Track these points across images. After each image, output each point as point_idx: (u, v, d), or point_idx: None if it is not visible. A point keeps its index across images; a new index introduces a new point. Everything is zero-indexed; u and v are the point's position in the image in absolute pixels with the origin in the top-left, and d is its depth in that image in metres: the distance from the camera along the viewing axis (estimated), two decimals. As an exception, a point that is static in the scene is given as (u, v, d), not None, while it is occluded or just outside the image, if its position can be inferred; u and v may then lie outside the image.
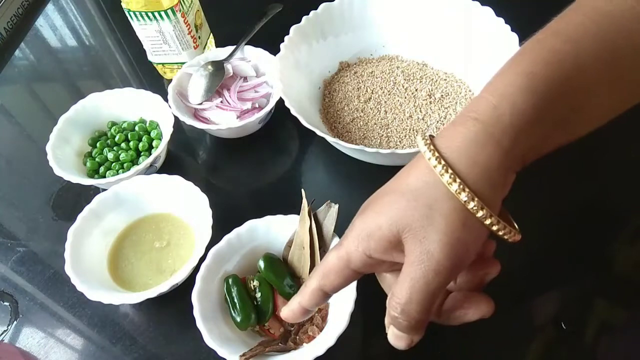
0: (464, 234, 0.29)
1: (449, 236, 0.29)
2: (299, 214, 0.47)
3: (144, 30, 0.64)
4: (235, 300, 0.43)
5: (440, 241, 0.29)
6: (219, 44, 0.71)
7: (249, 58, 0.65)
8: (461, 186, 0.28)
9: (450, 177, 0.28)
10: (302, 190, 0.45)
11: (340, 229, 0.44)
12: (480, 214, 0.29)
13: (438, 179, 0.29)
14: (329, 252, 0.33)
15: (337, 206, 0.45)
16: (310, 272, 0.45)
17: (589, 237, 0.50)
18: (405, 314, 0.30)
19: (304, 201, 0.45)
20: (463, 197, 0.28)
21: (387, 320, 0.33)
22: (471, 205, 0.28)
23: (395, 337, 0.33)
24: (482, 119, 0.29)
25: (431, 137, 0.31)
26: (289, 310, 0.35)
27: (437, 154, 0.29)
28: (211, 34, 0.71)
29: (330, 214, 0.45)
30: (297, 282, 0.46)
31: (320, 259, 0.44)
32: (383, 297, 0.47)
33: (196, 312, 0.42)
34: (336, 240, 0.44)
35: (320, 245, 0.44)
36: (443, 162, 0.29)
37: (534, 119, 0.30)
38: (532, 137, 0.31)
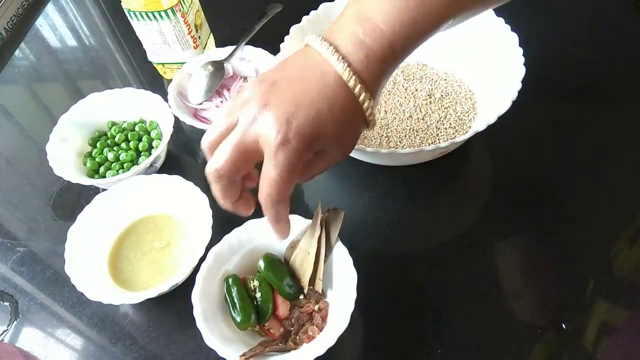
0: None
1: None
2: (298, 214, 0.47)
3: (144, 30, 0.64)
4: (235, 300, 0.43)
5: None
6: (219, 44, 0.71)
7: (249, 58, 0.65)
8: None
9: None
10: (320, 200, 0.45)
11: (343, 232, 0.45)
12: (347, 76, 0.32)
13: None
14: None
15: (343, 212, 0.45)
16: (310, 279, 0.45)
17: (589, 237, 0.50)
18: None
19: (319, 209, 0.45)
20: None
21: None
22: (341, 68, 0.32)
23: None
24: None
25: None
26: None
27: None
28: (211, 34, 0.71)
29: (336, 219, 0.45)
30: (297, 283, 0.46)
31: (323, 269, 0.44)
32: (383, 298, 0.48)
33: (196, 312, 0.42)
34: (340, 245, 0.44)
35: (325, 254, 0.44)
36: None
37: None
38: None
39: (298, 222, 0.47)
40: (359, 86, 0.32)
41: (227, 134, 0.34)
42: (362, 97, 0.32)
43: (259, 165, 0.34)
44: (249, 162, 0.34)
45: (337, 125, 0.33)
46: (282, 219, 0.36)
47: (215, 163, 0.34)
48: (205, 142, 0.35)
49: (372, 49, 0.32)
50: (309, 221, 0.46)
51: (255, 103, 0.33)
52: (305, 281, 0.45)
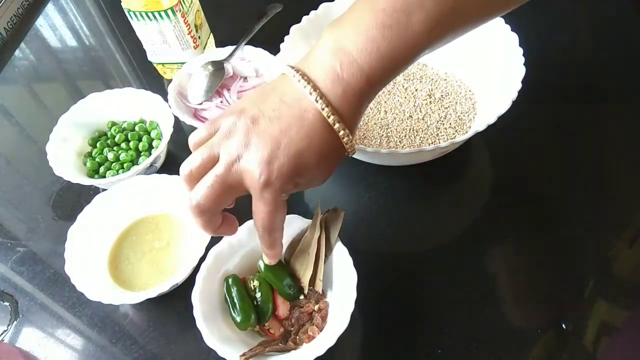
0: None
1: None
2: (298, 215, 0.47)
3: (144, 30, 0.64)
4: (235, 300, 0.43)
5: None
6: (219, 44, 0.71)
7: (249, 58, 0.65)
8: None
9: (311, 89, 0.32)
10: (319, 200, 0.45)
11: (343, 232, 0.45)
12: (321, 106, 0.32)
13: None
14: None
15: (343, 212, 0.45)
16: (310, 279, 0.45)
17: (589, 237, 0.50)
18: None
19: (318, 209, 0.45)
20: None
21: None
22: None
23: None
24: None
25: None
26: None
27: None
28: (211, 34, 0.71)
29: (336, 219, 0.45)
30: (297, 283, 0.46)
31: (323, 269, 0.44)
32: (383, 298, 0.48)
33: (196, 312, 0.42)
34: (340, 245, 0.44)
35: (325, 254, 0.44)
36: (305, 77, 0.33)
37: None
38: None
39: (298, 222, 0.47)
40: (338, 124, 0.32)
41: (208, 166, 0.34)
42: (341, 133, 0.33)
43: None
44: (231, 197, 0.35)
45: (317, 160, 0.33)
46: (277, 245, 0.39)
47: (198, 198, 0.34)
48: (184, 171, 0.35)
49: (350, 84, 0.32)
50: (309, 221, 0.47)
51: (237, 141, 0.33)
52: (305, 281, 0.45)
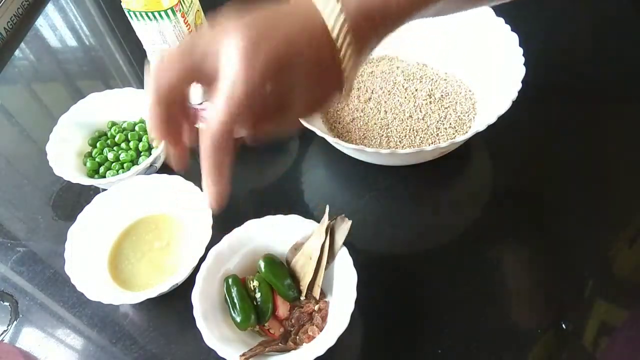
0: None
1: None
2: (299, 215, 0.47)
3: (144, 30, 0.63)
4: (235, 301, 0.43)
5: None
6: (219, 44, 0.71)
7: (249, 58, 0.65)
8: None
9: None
10: (327, 205, 0.45)
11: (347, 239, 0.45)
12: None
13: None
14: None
15: (350, 222, 0.45)
16: (309, 285, 0.45)
17: (589, 237, 0.50)
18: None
19: (325, 216, 0.45)
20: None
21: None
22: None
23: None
24: None
25: None
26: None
27: None
28: (211, 34, 0.71)
29: (342, 228, 0.45)
30: (296, 284, 0.46)
31: (324, 276, 0.44)
32: (383, 298, 0.48)
33: (196, 312, 0.42)
34: (344, 252, 0.44)
35: (328, 261, 0.44)
36: None
37: None
38: None
39: (298, 222, 0.47)
40: (343, 31, 0.28)
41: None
42: (343, 40, 0.28)
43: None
44: (188, 77, 0.29)
45: (310, 62, 0.28)
46: (224, 173, 0.30)
47: (155, 76, 0.29)
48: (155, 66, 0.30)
49: (365, 1, 0.29)
50: (310, 221, 0.47)
51: (220, 25, 0.28)
52: (304, 285, 0.45)
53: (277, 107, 0.30)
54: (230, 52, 0.27)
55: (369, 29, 0.29)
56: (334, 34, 0.28)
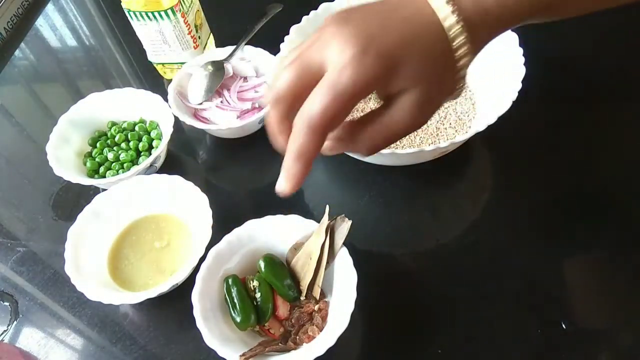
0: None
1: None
2: (299, 215, 0.47)
3: (144, 30, 0.64)
4: (235, 301, 0.43)
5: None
6: (219, 44, 0.71)
7: (249, 58, 0.65)
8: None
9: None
10: (327, 206, 0.45)
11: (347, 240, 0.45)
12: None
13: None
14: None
15: (350, 222, 0.45)
16: (309, 285, 0.45)
17: (588, 236, 0.50)
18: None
19: (326, 216, 0.45)
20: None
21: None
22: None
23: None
24: None
25: None
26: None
27: None
28: (211, 34, 0.71)
29: (342, 228, 0.45)
30: (296, 284, 0.46)
31: (324, 276, 0.44)
32: (383, 298, 0.48)
33: (196, 312, 0.42)
34: (344, 252, 0.44)
35: (328, 261, 0.44)
36: None
37: None
38: None
39: (297, 222, 0.47)
40: (459, 25, 0.27)
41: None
42: (459, 39, 0.27)
43: None
44: (308, 83, 0.28)
45: (423, 60, 0.27)
46: (307, 157, 0.28)
47: (275, 85, 0.28)
48: (272, 76, 0.31)
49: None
50: (310, 221, 0.47)
51: (330, 27, 0.27)
52: (304, 285, 0.45)
53: (383, 121, 0.29)
54: (342, 48, 0.26)
55: (485, 27, 0.29)
56: (450, 33, 0.27)
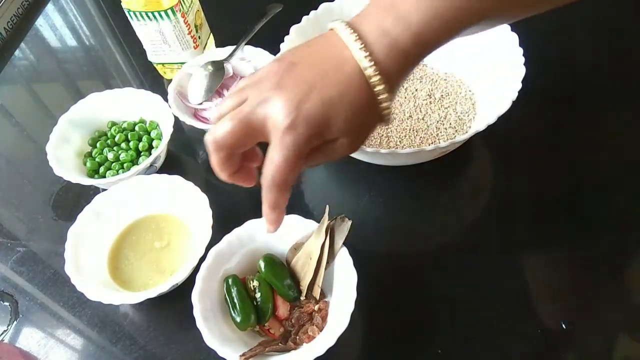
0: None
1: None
2: (299, 215, 0.47)
3: (144, 30, 0.64)
4: (235, 301, 0.43)
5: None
6: (219, 44, 0.71)
7: (249, 58, 0.65)
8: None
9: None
10: (327, 206, 0.45)
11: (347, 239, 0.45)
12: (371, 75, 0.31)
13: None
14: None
15: (350, 222, 0.45)
16: (309, 285, 0.45)
17: (588, 236, 0.50)
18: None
19: (325, 216, 0.45)
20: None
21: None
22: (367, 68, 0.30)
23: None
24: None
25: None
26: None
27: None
28: (211, 34, 0.71)
29: (342, 228, 0.45)
30: (296, 284, 0.46)
31: (324, 275, 0.44)
32: (383, 298, 0.48)
33: (196, 312, 0.42)
34: (344, 252, 0.44)
35: (327, 261, 0.44)
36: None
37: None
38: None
39: (298, 223, 0.47)
40: (377, 77, 0.30)
41: (236, 108, 0.33)
42: (379, 89, 0.31)
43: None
44: (250, 138, 0.33)
45: (348, 115, 0.31)
46: (279, 207, 0.34)
47: (216, 133, 0.33)
48: (215, 115, 0.35)
49: (397, 40, 0.30)
50: (310, 221, 0.47)
51: (268, 83, 0.32)
52: (304, 285, 0.45)
53: (325, 148, 0.33)
54: (276, 116, 0.31)
55: (405, 66, 0.32)
56: (371, 82, 0.31)
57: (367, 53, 0.30)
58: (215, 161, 0.34)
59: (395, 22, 0.30)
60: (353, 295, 0.41)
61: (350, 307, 0.40)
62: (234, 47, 0.64)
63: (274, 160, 0.32)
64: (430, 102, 0.58)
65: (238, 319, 0.43)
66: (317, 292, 0.45)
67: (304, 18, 0.59)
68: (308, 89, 0.31)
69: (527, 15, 0.35)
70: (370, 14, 0.32)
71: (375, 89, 0.31)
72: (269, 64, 0.33)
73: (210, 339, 0.41)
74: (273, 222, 0.36)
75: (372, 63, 0.30)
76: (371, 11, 0.32)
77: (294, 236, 0.47)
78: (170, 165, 0.61)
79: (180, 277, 0.46)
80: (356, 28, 0.31)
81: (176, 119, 0.58)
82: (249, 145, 0.34)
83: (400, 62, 0.31)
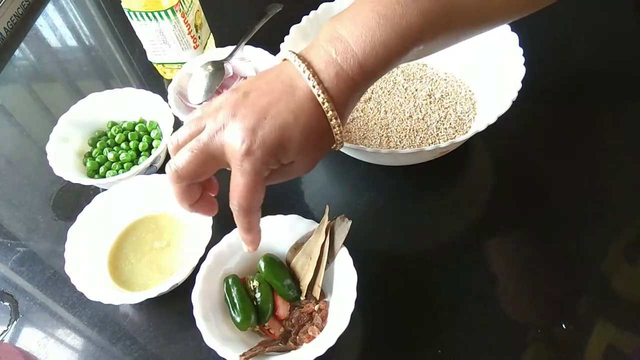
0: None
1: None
2: (299, 215, 0.47)
3: (144, 30, 0.64)
4: (235, 301, 0.43)
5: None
6: (219, 44, 0.71)
7: (249, 58, 0.65)
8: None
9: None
10: (327, 206, 0.45)
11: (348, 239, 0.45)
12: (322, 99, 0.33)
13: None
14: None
15: (350, 222, 0.45)
16: (309, 285, 0.45)
17: (589, 237, 0.50)
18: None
19: (325, 216, 0.45)
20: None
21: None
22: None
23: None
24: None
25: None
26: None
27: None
28: (211, 34, 0.71)
29: (342, 228, 0.45)
30: (296, 284, 0.46)
31: (324, 275, 0.44)
32: (383, 298, 0.48)
33: (196, 312, 0.42)
34: (344, 252, 0.44)
35: (327, 261, 0.44)
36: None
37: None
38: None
39: (298, 223, 0.47)
40: (327, 103, 0.33)
41: (194, 136, 0.35)
42: (330, 114, 0.33)
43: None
44: (210, 167, 0.35)
45: (302, 137, 0.33)
46: (252, 227, 0.37)
47: (176, 163, 0.34)
48: (171, 144, 0.36)
49: (343, 69, 0.32)
50: (310, 221, 0.47)
51: (224, 112, 0.33)
52: (304, 285, 0.45)
53: (283, 169, 0.35)
54: (234, 143, 0.32)
55: (353, 91, 0.34)
56: (324, 108, 0.33)
57: (317, 81, 0.32)
58: (176, 191, 0.36)
59: (341, 53, 0.32)
60: (353, 295, 0.41)
61: (350, 307, 0.40)
62: (234, 47, 0.64)
63: (237, 187, 0.34)
64: (430, 102, 0.58)
65: (238, 319, 0.43)
66: (317, 292, 0.45)
67: (304, 18, 0.59)
68: (262, 115, 0.32)
69: (469, 37, 0.37)
70: (319, 45, 0.34)
71: (328, 114, 0.33)
72: (224, 95, 0.35)
73: (211, 339, 0.41)
74: (251, 243, 0.38)
75: (322, 91, 0.32)
76: (320, 41, 0.34)
77: (294, 236, 0.47)
78: (170, 165, 0.61)
79: (180, 277, 0.46)
80: (305, 58, 0.33)
81: (176, 119, 0.58)
82: (210, 173, 0.36)
83: (348, 89, 0.33)
